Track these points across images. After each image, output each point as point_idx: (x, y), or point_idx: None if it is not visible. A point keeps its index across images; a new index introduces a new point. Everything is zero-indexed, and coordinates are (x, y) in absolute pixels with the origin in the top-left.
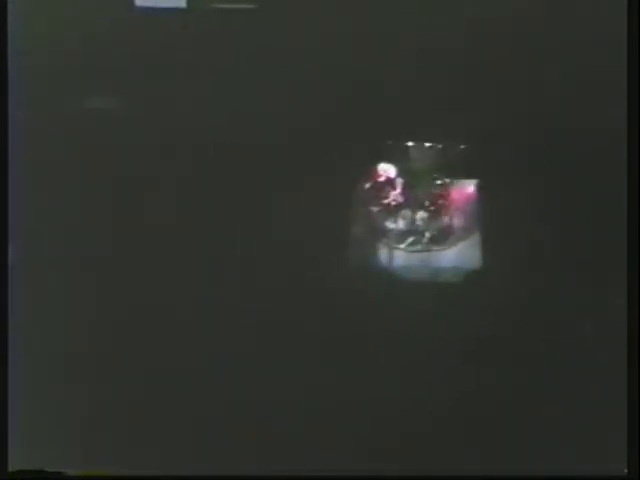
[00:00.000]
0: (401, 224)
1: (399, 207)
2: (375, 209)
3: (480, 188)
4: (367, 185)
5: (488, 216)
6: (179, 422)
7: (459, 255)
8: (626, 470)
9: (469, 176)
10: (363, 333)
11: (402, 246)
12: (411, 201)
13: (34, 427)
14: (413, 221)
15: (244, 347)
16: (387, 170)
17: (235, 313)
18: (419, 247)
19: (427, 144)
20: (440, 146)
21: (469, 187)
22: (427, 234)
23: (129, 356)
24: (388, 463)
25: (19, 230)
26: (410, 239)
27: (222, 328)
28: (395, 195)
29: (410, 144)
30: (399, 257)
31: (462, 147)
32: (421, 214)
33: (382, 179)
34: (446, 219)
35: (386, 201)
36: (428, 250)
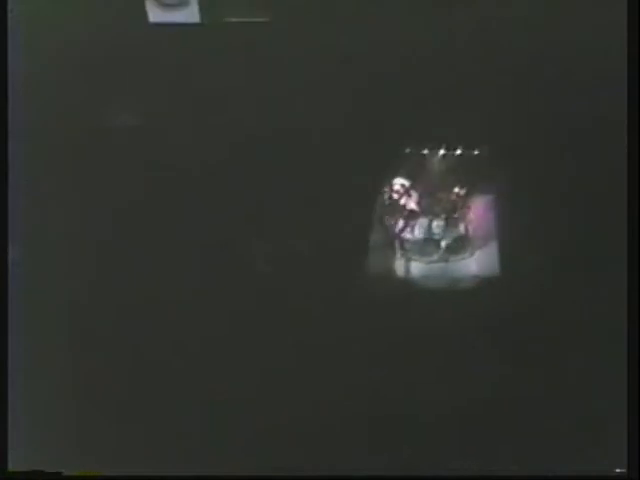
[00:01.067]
0: (417, 233)
1: (415, 216)
2: (391, 218)
3: (497, 196)
4: (382, 194)
5: (505, 224)
6: (179, 422)
7: (477, 265)
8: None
9: (486, 184)
10: (378, 342)
11: (418, 256)
12: (428, 210)
13: (34, 427)
14: (430, 230)
15: (249, 353)
16: (403, 179)
17: (241, 323)
18: (436, 257)
19: (442, 152)
20: (456, 154)
21: (486, 195)
22: (444, 243)
23: (129, 357)
24: None
25: (19, 230)
26: (427, 249)
27: (228, 334)
28: (411, 204)
29: (426, 152)
30: (415, 267)
31: (478, 155)
32: (437, 223)
33: (398, 188)
34: (463, 228)
35: (402, 210)
36: (445, 260)
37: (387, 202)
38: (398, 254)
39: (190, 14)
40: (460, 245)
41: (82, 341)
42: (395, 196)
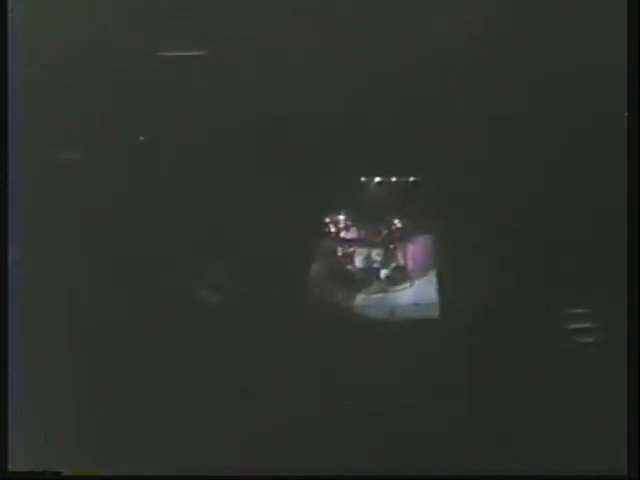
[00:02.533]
0: (357, 264)
1: (355, 247)
2: (331, 250)
3: (436, 226)
4: (322, 227)
5: (446, 254)
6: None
7: (417, 294)
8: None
9: (424, 213)
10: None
11: (359, 287)
12: (367, 241)
13: (34, 427)
14: (369, 261)
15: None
16: (342, 211)
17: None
18: (376, 287)
19: (378, 180)
20: (393, 184)
21: (425, 225)
22: (383, 274)
23: (129, 356)
24: None
25: (19, 230)
26: (367, 279)
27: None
28: (350, 236)
29: (363, 181)
30: (356, 298)
31: (415, 185)
32: (377, 254)
33: (337, 220)
34: (402, 258)
35: (342, 242)
36: (385, 291)
37: (327, 234)
38: (339, 285)
39: None
40: (400, 275)
41: (82, 341)
42: (334, 228)
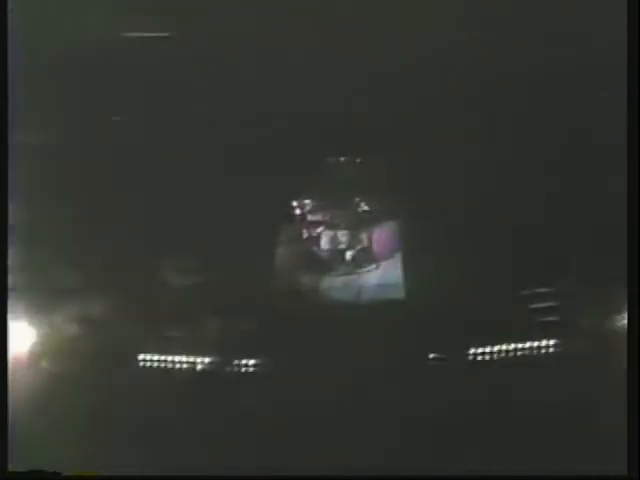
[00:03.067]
0: (323, 246)
1: (321, 229)
2: (297, 232)
3: (402, 207)
4: (288, 208)
5: (411, 236)
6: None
7: (383, 276)
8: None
9: (391, 197)
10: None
11: (325, 268)
12: (333, 223)
13: (34, 427)
14: (335, 243)
15: None
16: (308, 193)
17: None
18: (342, 269)
19: (344, 160)
20: (359, 165)
21: (391, 208)
22: (349, 255)
23: (128, 356)
24: None
25: (20, 231)
26: (333, 261)
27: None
28: (317, 218)
29: (331, 163)
30: (322, 279)
31: (383, 167)
32: (342, 236)
33: (303, 202)
34: (367, 240)
35: (308, 224)
36: (351, 273)
37: (292, 216)
38: (305, 267)
39: None
40: (365, 257)
41: (82, 341)
42: (299, 211)
